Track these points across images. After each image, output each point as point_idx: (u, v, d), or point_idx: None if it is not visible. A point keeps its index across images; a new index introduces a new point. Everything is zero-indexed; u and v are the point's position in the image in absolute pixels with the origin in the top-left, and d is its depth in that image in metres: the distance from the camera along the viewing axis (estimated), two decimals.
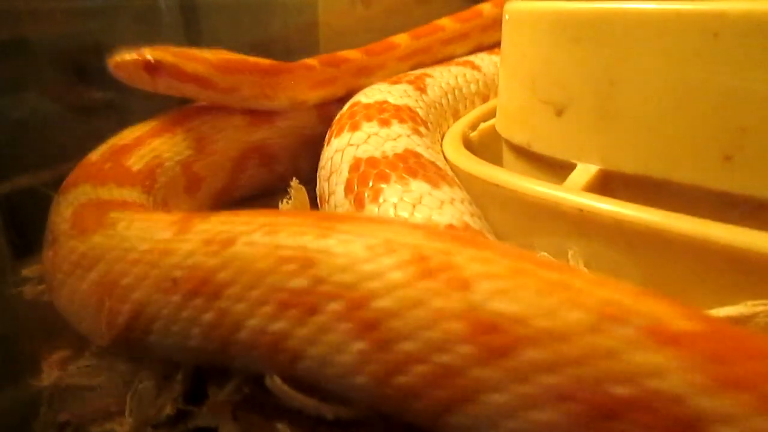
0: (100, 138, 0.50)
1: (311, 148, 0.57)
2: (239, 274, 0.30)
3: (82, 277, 0.36)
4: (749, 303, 0.31)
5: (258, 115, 0.57)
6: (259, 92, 0.54)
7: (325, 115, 0.58)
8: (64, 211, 0.40)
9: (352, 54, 0.62)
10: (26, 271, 0.49)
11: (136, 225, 0.36)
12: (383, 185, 0.39)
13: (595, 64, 0.39)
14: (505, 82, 0.49)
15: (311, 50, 0.63)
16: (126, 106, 0.70)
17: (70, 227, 0.38)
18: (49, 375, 0.38)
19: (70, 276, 0.36)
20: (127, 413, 0.35)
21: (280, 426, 0.30)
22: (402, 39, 0.67)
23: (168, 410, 0.34)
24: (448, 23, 0.71)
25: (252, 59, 0.55)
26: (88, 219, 0.38)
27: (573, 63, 0.41)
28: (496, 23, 0.73)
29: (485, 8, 0.74)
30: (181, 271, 0.32)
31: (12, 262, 0.50)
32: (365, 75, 0.63)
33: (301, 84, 0.57)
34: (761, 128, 0.34)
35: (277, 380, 0.30)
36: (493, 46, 0.73)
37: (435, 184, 0.40)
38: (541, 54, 0.43)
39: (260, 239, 0.31)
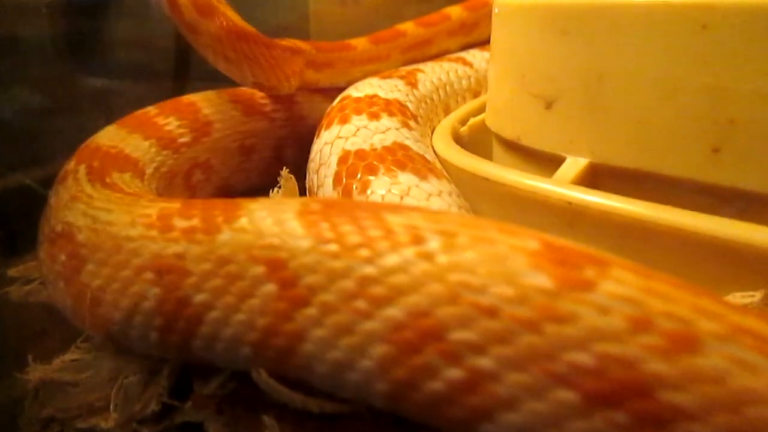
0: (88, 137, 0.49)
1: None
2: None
3: (371, 313, 0.25)
4: (737, 294, 0.31)
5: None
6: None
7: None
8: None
9: (303, 45, 0.59)
10: (12, 272, 0.48)
11: (470, 244, 0.24)
12: (371, 177, 0.39)
13: (584, 57, 0.39)
14: (495, 76, 0.49)
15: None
16: (114, 102, 0.70)
17: (322, 242, 0.26)
18: (34, 370, 0.37)
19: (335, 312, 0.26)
20: (112, 408, 0.34)
21: (266, 419, 0.30)
22: (360, 42, 0.64)
23: (153, 406, 0.34)
24: (410, 28, 0.67)
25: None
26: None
27: (562, 56, 0.41)
28: (465, 27, 0.71)
29: (453, 12, 0.71)
30: (585, 357, 0.21)
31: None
32: (313, 69, 0.60)
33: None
34: (749, 121, 0.34)
35: (264, 374, 0.29)
36: (460, 50, 0.71)
37: (423, 177, 0.39)
38: (531, 47, 0.43)
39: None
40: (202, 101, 0.54)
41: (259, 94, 0.57)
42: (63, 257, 0.34)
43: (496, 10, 0.47)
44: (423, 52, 0.69)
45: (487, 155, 0.48)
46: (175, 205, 0.33)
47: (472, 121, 0.55)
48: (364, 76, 0.61)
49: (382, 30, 0.67)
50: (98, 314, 0.33)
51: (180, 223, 0.31)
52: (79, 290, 0.33)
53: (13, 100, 0.62)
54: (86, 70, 0.71)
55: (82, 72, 0.71)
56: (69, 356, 0.37)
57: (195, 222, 0.31)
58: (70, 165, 0.42)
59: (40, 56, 0.65)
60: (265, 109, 0.57)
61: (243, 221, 0.30)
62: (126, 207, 0.34)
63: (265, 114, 0.57)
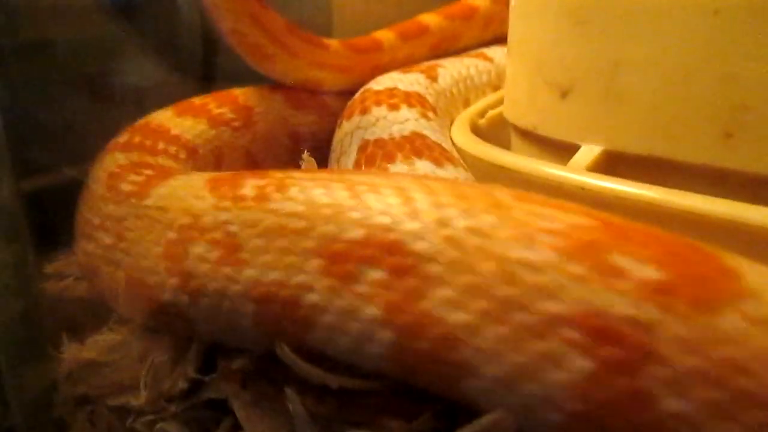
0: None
1: None
2: None
3: None
4: None
5: None
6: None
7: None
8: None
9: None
10: (48, 268, 0.50)
11: None
12: (389, 165, 0.40)
13: (598, 45, 0.40)
14: (512, 66, 0.49)
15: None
16: (145, 102, 0.72)
17: None
18: (69, 350, 0.39)
19: None
20: (141, 386, 0.36)
21: (289, 392, 0.31)
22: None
23: (181, 384, 0.35)
24: (387, 37, 0.64)
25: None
26: None
27: (577, 46, 0.41)
28: (449, 38, 0.69)
29: (431, 20, 0.68)
30: None
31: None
32: (317, 67, 0.58)
33: None
34: (761, 106, 0.34)
35: (287, 349, 0.30)
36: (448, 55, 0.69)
37: (439, 164, 0.41)
38: (547, 37, 0.44)
39: None
40: None
41: None
42: (379, 275, 0.25)
43: (513, 2, 0.47)
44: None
45: (505, 147, 0.49)
46: (591, 221, 0.24)
47: (491, 113, 0.56)
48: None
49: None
50: (451, 361, 0.24)
51: (633, 268, 0.21)
52: (415, 322, 0.24)
53: (50, 101, 0.64)
54: (118, 71, 0.73)
55: (113, 73, 0.73)
56: (101, 337, 0.39)
57: (663, 276, 0.21)
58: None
59: (74, 58, 0.67)
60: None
61: (752, 305, 0.20)
62: (505, 211, 0.24)
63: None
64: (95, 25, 0.70)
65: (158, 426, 0.34)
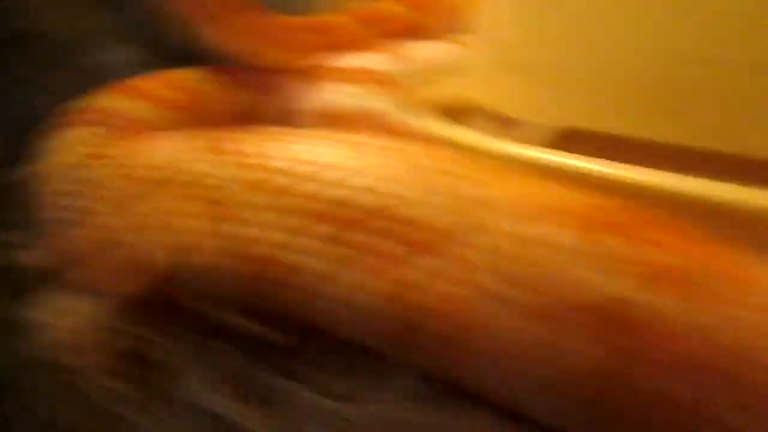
0: None
1: None
2: None
3: None
4: None
5: None
6: None
7: None
8: None
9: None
10: None
11: None
12: None
13: (556, 23, 0.40)
14: (475, 46, 0.50)
15: None
16: None
17: None
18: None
19: None
20: (87, 348, 0.35)
21: (223, 347, 0.31)
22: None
23: (123, 343, 0.35)
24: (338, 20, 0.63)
25: None
26: None
27: (547, 24, 0.42)
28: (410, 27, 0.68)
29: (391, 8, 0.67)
30: None
31: None
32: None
33: None
34: (707, 82, 0.35)
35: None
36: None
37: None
38: (515, 16, 0.44)
39: None
40: None
41: None
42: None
43: None
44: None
45: (468, 127, 0.49)
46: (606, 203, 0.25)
47: (453, 93, 0.56)
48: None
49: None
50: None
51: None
52: None
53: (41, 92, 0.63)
54: (108, 61, 0.73)
55: (103, 62, 0.72)
56: (49, 300, 0.38)
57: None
58: None
59: (66, 48, 0.66)
60: None
61: None
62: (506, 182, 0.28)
63: None
64: (86, 16, 0.69)
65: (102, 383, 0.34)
